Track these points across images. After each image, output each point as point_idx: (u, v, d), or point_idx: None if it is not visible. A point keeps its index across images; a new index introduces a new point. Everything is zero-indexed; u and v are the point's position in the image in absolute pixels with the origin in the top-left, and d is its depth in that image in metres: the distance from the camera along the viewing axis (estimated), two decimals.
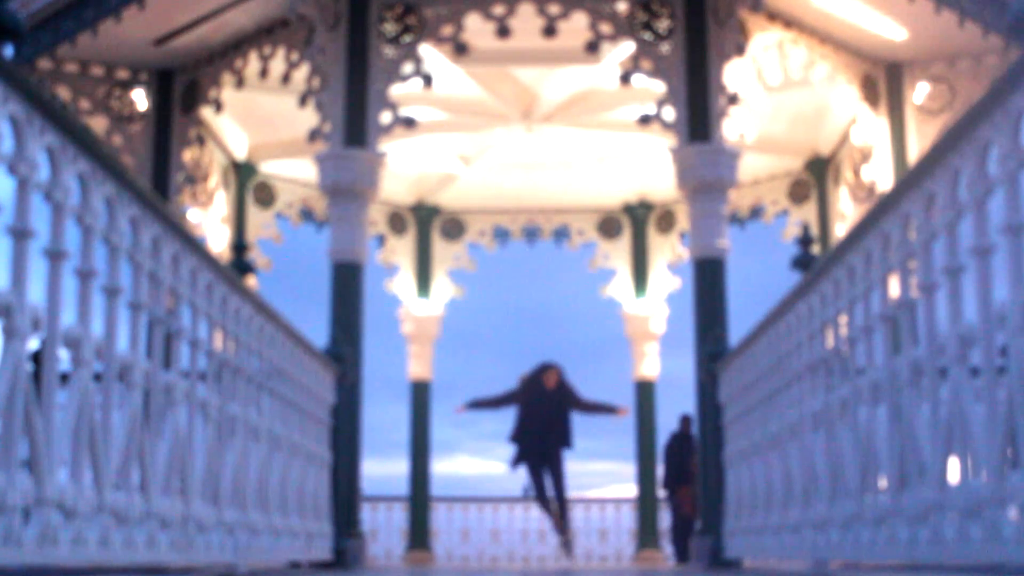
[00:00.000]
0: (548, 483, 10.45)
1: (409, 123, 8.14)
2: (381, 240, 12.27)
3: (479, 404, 10.78)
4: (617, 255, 12.36)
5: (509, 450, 10.49)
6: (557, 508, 10.52)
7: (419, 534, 12.17)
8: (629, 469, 12.25)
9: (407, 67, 8.04)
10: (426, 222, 12.39)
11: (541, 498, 10.58)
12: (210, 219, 10.14)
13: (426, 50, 8.16)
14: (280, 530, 5.66)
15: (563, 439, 10.39)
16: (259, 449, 5.36)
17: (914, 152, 8.63)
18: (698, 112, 7.90)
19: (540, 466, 10.41)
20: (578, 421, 10.54)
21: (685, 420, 12.22)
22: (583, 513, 14.10)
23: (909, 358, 3.76)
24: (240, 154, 10.68)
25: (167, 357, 4.17)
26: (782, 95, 9.65)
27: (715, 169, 7.83)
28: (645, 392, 12.05)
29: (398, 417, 12.81)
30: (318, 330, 7.52)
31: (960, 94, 8.65)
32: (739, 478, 6.65)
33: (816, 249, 6.78)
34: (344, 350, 7.52)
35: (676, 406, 12.26)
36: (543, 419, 10.30)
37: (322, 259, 8.11)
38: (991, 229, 3.16)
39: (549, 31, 8.03)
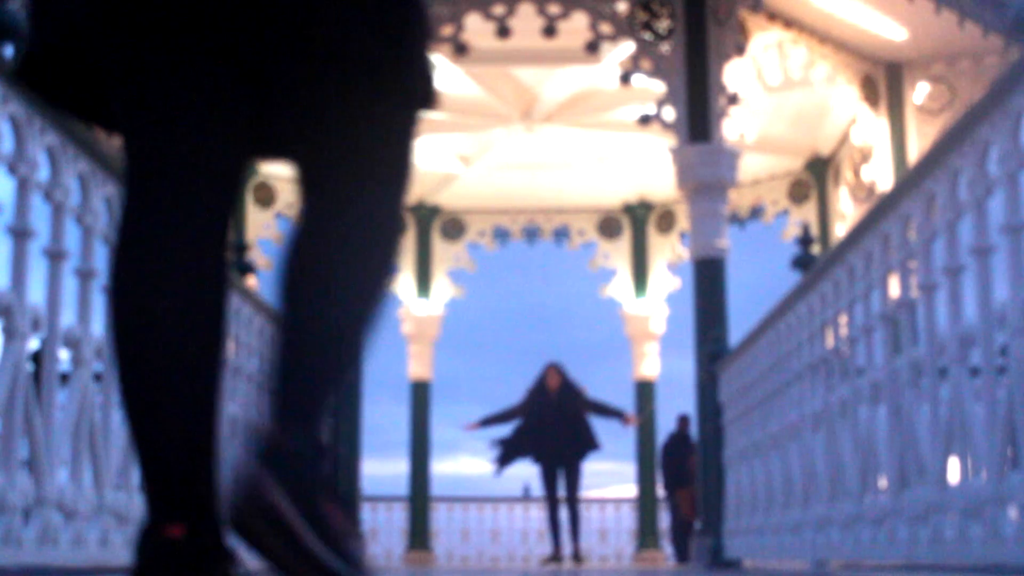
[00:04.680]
0: (561, 485, 10.42)
1: None
2: None
3: (489, 421, 10.73)
4: (617, 255, 12.36)
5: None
6: (567, 514, 10.48)
7: (419, 534, 12.17)
8: (629, 469, 12.25)
9: None
10: (426, 222, 12.38)
11: (552, 506, 10.53)
12: None
13: None
14: None
15: (582, 442, 10.34)
16: None
17: (914, 152, 8.63)
18: (698, 112, 7.89)
19: (555, 469, 10.38)
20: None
21: (682, 420, 12.21)
22: (583, 513, 14.11)
23: (909, 358, 3.76)
24: None
25: None
26: (782, 95, 9.64)
27: (715, 169, 7.83)
28: (645, 392, 12.05)
29: (398, 417, 12.81)
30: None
31: (960, 94, 8.65)
32: (739, 478, 6.65)
33: (816, 249, 6.78)
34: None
35: (676, 406, 12.27)
36: (553, 421, 10.28)
37: None
38: (991, 229, 3.16)
39: (549, 31, 8.03)
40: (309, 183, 1.58)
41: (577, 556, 10.64)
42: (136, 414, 1.53)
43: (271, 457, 1.37)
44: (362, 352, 1.55)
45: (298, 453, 1.40)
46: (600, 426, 10.69)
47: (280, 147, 1.67)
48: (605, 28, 8.03)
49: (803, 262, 5.60)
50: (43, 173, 3.08)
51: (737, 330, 7.15)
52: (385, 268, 1.55)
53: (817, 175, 10.80)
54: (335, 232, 1.51)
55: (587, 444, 10.35)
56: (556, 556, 10.62)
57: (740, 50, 8.06)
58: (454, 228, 12.46)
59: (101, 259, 3.50)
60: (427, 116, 1.68)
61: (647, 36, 8.02)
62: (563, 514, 10.51)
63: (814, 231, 9.77)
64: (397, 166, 1.60)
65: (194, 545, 1.50)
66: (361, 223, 1.53)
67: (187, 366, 1.52)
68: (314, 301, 1.50)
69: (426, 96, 1.63)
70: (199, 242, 1.53)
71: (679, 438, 12.19)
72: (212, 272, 1.56)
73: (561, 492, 10.46)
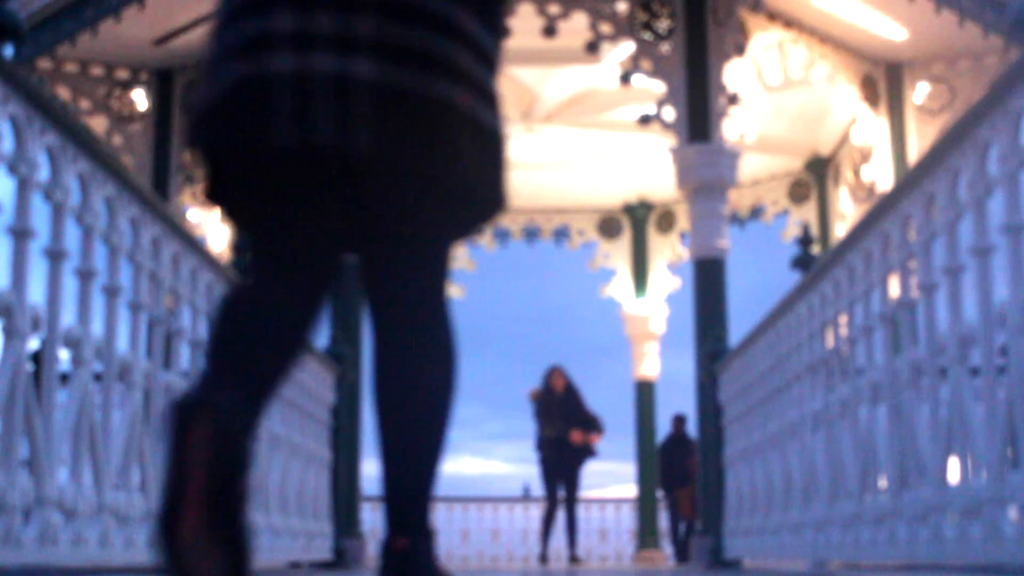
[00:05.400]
0: (561, 486, 10.51)
1: None
2: None
3: (545, 432, 10.70)
4: (617, 255, 12.36)
5: (513, 450, 10.61)
6: (565, 517, 10.58)
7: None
8: (629, 469, 12.26)
9: None
10: None
11: (550, 506, 10.62)
12: (210, 219, 10.14)
13: None
14: (280, 530, 5.66)
15: (582, 446, 10.43)
16: (259, 449, 5.35)
17: (914, 152, 8.62)
18: (698, 112, 7.89)
19: (557, 470, 10.45)
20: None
21: (678, 420, 12.22)
22: (583, 513, 14.10)
23: (909, 358, 3.76)
24: None
25: (167, 357, 4.17)
26: (782, 95, 9.64)
27: (715, 169, 7.82)
28: (645, 392, 12.04)
29: None
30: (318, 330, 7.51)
31: (960, 94, 8.64)
32: (739, 478, 6.65)
33: (816, 249, 6.78)
34: (344, 350, 7.52)
35: (676, 406, 12.27)
36: (558, 422, 10.37)
37: None
38: (991, 229, 3.16)
39: (549, 31, 8.02)
40: (371, 287, 2.03)
41: (574, 558, 10.69)
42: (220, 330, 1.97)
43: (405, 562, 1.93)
44: (445, 445, 2.05)
45: (419, 553, 1.95)
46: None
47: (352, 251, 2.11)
48: (605, 28, 8.02)
49: (803, 262, 5.60)
50: (43, 173, 3.08)
51: (737, 330, 7.15)
52: (449, 376, 1.99)
53: (817, 175, 10.80)
54: (405, 362, 1.97)
55: (585, 450, 10.43)
56: (543, 556, 10.72)
57: (740, 50, 8.05)
58: None
59: (101, 259, 3.50)
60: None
61: (647, 36, 8.01)
62: (560, 516, 10.60)
63: (814, 231, 9.77)
64: (441, 280, 2.02)
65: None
66: (421, 341, 1.98)
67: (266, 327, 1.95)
68: (408, 408, 1.99)
69: (493, 206, 2.04)
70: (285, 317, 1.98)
71: (676, 438, 12.19)
72: (298, 332, 2.02)
73: (561, 493, 10.52)
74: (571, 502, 10.51)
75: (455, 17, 1.93)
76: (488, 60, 2.00)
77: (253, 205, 1.99)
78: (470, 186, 1.95)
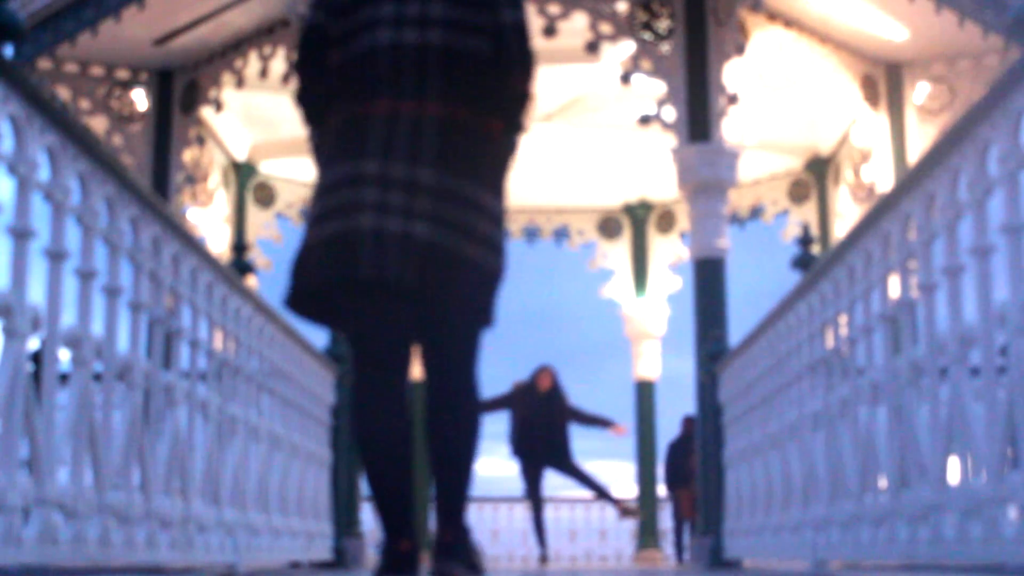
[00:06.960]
0: (542, 486, 10.54)
1: None
2: None
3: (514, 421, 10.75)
4: (617, 255, 12.35)
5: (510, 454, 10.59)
6: (598, 496, 10.70)
7: (419, 534, 12.13)
8: (629, 469, 12.26)
9: None
10: None
11: (534, 502, 10.62)
12: (210, 219, 10.14)
13: None
14: (280, 530, 5.66)
15: (559, 451, 10.44)
16: (259, 449, 5.36)
17: (914, 152, 8.62)
18: (698, 112, 7.89)
19: (537, 470, 10.45)
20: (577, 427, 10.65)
21: (688, 421, 12.20)
22: (583, 513, 14.13)
23: (909, 358, 3.76)
24: (240, 154, 10.67)
25: (167, 357, 4.17)
26: (782, 95, 9.64)
27: (715, 169, 7.82)
28: (645, 392, 12.03)
29: None
30: (318, 330, 7.51)
31: (960, 94, 8.64)
32: (739, 478, 6.65)
33: (816, 249, 6.77)
34: (344, 350, 7.52)
35: (676, 406, 12.26)
36: (541, 424, 10.34)
37: None
38: (991, 229, 3.16)
39: (549, 31, 8.02)
40: (425, 360, 3.13)
41: (628, 510, 10.79)
42: (375, 483, 3.10)
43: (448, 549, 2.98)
44: (475, 459, 3.11)
45: (458, 543, 2.96)
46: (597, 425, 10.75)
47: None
48: (605, 28, 8.02)
49: (803, 262, 5.60)
50: (43, 173, 3.08)
51: (737, 330, 7.15)
52: (475, 418, 3.14)
53: (817, 175, 10.79)
54: (445, 402, 3.11)
55: (563, 456, 10.42)
56: (544, 557, 10.72)
57: (740, 50, 8.05)
58: None
59: (101, 259, 3.50)
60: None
61: (647, 36, 8.01)
62: (545, 514, 10.68)
63: (814, 231, 9.77)
64: (472, 352, 3.16)
65: (414, 553, 3.02)
66: (455, 389, 3.13)
67: (396, 455, 3.05)
68: (447, 447, 3.13)
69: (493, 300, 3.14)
70: (392, 395, 3.06)
71: (685, 439, 12.19)
72: (401, 407, 3.06)
73: (543, 493, 10.56)
74: (590, 485, 10.56)
75: (480, 197, 2.99)
76: (499, 222, 3.06)
77: (345, 315, 3.03)
78: (473, 308, 3.03)
